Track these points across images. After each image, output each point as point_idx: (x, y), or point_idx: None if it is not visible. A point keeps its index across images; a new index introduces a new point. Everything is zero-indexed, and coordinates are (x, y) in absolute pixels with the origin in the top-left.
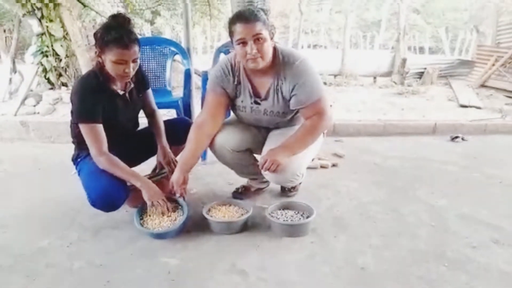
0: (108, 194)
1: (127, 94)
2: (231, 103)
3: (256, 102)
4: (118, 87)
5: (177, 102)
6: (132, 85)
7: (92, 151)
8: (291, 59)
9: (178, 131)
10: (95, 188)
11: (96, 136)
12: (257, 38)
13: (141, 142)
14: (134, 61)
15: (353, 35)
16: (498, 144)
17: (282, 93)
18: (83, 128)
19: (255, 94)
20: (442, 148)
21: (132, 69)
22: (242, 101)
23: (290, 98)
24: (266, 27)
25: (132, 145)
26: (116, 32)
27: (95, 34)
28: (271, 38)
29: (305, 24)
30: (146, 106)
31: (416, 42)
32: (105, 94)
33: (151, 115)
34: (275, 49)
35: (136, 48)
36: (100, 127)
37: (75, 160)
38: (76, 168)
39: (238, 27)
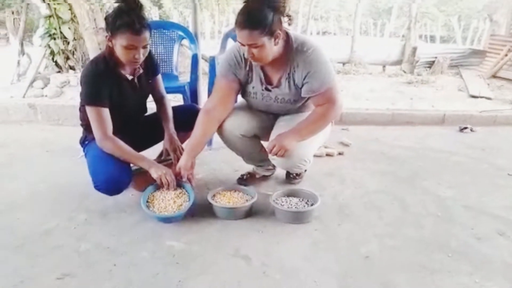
0: (112, 178)
1: (135, 79)
2: (241, 89)
3: (267, 89)
4: (127, 72)
5: (183, 87)
6: (141, 71)
7: (97, 135)
8: (304, 47)
9: (186, 117)
10: (99, 172)
11: (102, 119)
12: (253, 46)
13: (148, 127)
14: (144, 47)
15: (363, 23)
16: (508, 135)
17: (294, 80)
18: (89, 111)
19: (267, 81)
20: (451, 139)
21: (142, 55)
22: (253, 87)
23: (302, 85)
24: (267, 33)
25: (139, 130)
26: (127, 17)
27: (106, 18)
28: (276, 39)
29: (314, 10)
30: (155, 92)
31: (427, 31)
32: (114, 78)
33: (160, 101)
34: (288, 37)
35: (147, 34)
36: (106, 111)
37: (82, 142)
38: (83, 150)
39: (236, 29)
